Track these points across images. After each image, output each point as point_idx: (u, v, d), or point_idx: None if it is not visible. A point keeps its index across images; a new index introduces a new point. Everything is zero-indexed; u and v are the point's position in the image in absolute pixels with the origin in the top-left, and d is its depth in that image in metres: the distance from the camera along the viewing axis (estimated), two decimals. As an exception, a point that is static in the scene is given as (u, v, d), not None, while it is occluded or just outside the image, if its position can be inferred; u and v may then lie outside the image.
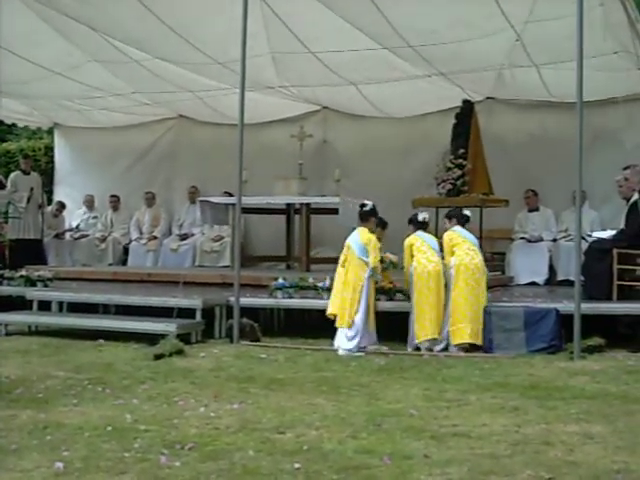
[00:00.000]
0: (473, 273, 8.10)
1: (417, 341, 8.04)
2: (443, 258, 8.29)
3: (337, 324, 8.00)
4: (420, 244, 8.28)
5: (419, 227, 8.48)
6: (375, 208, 8.46)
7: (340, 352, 7.84)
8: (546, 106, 11.79)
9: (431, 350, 7.97)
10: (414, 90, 11.31)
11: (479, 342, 7.96)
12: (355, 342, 7.90)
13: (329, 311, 8.15)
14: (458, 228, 8.47)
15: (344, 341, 7.92)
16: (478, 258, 8.23)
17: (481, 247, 8.83)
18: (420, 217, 8.54)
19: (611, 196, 10.42)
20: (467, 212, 8.75)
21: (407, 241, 8.38)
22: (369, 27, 9.22)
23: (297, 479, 3.97)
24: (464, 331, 7.95)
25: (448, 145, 11.16)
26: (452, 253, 8.25)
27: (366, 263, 8.06)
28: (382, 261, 8.33)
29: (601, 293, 8.41)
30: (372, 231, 8.32)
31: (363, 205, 8.49)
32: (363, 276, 8.04)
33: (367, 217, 8.41)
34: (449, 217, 8.72)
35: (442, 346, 8.04)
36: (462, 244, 8.27)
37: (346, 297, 8.01)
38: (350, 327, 7.92)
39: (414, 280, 8.17)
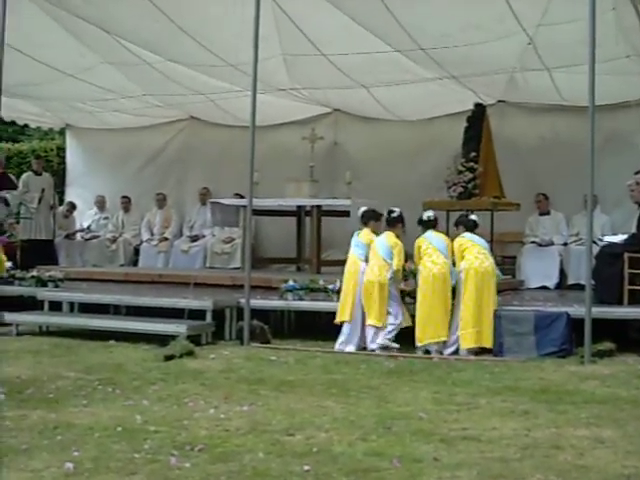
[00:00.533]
0: (483, 277, 8.10)
1: (419, 344, 8.04)
2: (454, 264, 8.28)
3: (372, 324, 8.08)
4: (426, 246, 8.29)
5: (425, 226, 8.51)
6: (402, 214, 8.58)
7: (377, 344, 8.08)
8: (558, 110, 11.76)
9: (441, 353, 7.97)
10: (426, 93, 11.30)
11: (489, 346, 7.95)
12: (392, 334, 8.09)
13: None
14: (467, 234, 8.46)
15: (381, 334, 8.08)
16: (488, 262, 8.22)
17: (492, 251, 8.82)
18: (424, 216, 8.58)
19: (622, 200, 10.39)
20: (473, 217, 8.77)
21: (416, 242, 8.44)
22: (381, 30, 9.22)
23: (306, 481, 3.98)
24: (474, 335, 7.95)
25: (459, 148, 11.13)
26: (462, 258, 8.25)
27: (389, 264, 8.13)
28: (403, 269, 8.40)
29: (612, 297, 8.40)
30: (398, 237, 8.42)
31: (391, 211, 8.62)
32: (386, 275, 8.11)
33: (394, 223, 8.54)
34: (456, 225, 8.78)
35: (452, 349, 8.04)
36: (472, 248, 8.25)
37: (373, 296, 8.09)
38: (383, 325, 8.07)
39: (419, 283, 8.20)
